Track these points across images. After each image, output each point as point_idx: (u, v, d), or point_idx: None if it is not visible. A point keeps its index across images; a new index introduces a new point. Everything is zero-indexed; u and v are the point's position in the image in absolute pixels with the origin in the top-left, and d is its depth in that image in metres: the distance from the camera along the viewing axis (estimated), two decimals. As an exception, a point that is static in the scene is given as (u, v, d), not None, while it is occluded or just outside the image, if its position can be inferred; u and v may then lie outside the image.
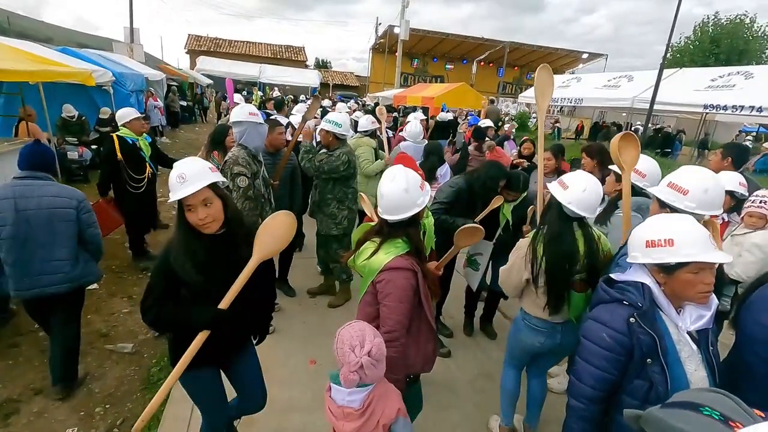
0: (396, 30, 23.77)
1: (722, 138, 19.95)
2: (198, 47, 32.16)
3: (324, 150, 3.73)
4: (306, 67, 33.39)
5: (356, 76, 38.29)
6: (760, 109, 9.84)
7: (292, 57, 34.96)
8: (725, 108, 10.77)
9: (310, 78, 24.20)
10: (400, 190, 1.76)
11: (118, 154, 4.08)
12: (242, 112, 3.10)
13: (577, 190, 1.96)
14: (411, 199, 1.78)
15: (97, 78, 7.17)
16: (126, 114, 4.28)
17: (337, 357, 1.48)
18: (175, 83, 16.26)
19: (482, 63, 29.98)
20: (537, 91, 2.75)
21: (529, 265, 2.07)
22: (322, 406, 1.60)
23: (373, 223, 2.02)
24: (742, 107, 10.27)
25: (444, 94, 13.25)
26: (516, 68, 35.00)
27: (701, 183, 1.89)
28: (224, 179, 1.76)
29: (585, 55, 31.52)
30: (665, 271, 1.42)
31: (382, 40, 30.16)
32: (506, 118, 13.28)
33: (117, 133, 4.19)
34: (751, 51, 25.66)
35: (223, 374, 2.01)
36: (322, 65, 44.34)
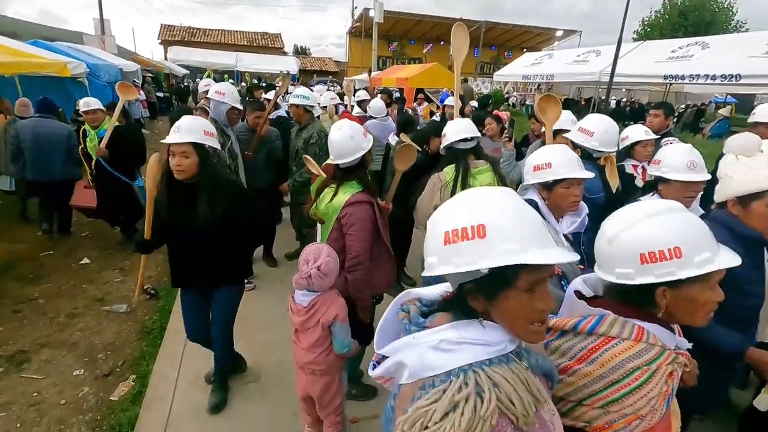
0: (371, 13, 23.77)
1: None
2: (171, 37, 31.56)
3: (297, 127, 4.04)
4: (284, 54, 33.12)
5: (335, 61, 38.07)
6: (713, 77, 10.40)
7: (268, 44, 34.55)
8: (683, 77, 11.31)
9: (288, 65, 24.09)
10: (347, 137, 2.15)
11: (81, 144, 4.42)
12: (211, 91, 3.56)
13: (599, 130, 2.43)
14: (356, 144, 2.17)
15: (72, 69, 7.28)
16: (83, 104, 4.43)
17: (299, 266, 1.89)
18: (150, 74, 16.19)
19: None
20: (453, 50, 3.15)
21: (438, 192, 2.49)
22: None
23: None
24: (698, 76, 10.82)
25: (417, 75, 13.53)
26: (493, 48, 35.23)
27: (602, 126, 2.43)
28: (214, 145, 2.15)
29: (559, 33, 31.85)
30: (547, 188, 1.84)
31: (358, 24, 30.01)
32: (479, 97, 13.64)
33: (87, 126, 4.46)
34: (717, 22, 26.38)
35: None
36: (300, 52, 43.90)
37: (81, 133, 4.43)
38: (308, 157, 2.74)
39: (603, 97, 19.43)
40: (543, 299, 0.78)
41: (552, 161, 1.80)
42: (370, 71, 21.12)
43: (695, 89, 18.37)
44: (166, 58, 24.12)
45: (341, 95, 7.73)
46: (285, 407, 2.50)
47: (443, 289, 0.92)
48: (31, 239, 4.82)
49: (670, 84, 14.39)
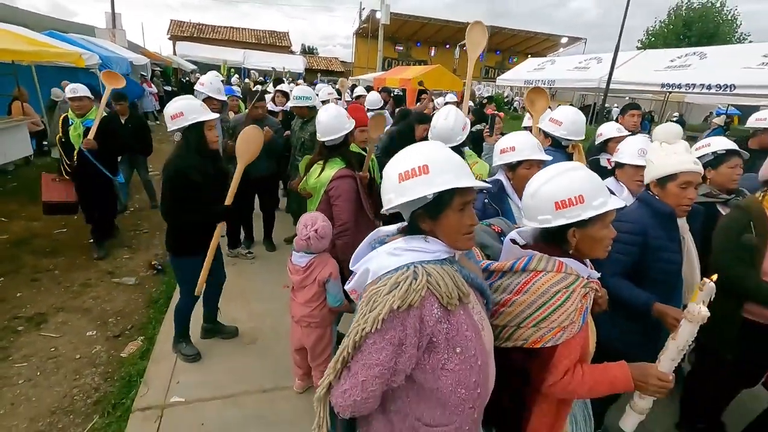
0: (378, 15, 24.11)
1: (695, 119, 21.00)
2: (181, 33, 31.99)
3: (300, 120, 4.29)
4: (291, 52, 33.51)
5: (341, 61, 38.45)
6: (709, 87, 10.64)
7: (276, 42, 34.94)
8: (680, 86, 11.55)
9: (295, 63, 24.48)
10: (332, 117, 2.48)
11: (59, 133, 3.99)
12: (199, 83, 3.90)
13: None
14: (340, 124, 2.49)
15: (86, 60, 7.58)
16: (70, 90, 4.02)
17: (297, 231, 2.18)
18: (159, 68, 16.55)
19: (465, 48, 30.55)
20: (469, 44, 3.43)
21: None
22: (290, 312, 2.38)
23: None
24: (695, 85, 11.06)
25: (420, 76, 13.80)
26: (498, 53, 35.52)
27: (570, 117, 2.72)
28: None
29: (564, 40, 32.17)
30: (511, 169, 2.11)
31: (365, 25, 30.39)
32: (483, 100, 13.92)
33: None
34: (720, 34, 26.58)
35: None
36: (308, 51, 44.33)
37: (62, 120, 4.00)
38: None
39: (606, 104, 19.73)
40: (470, 216, 1.07)
41: (515, 145, 2.08)
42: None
43: (698, 99, 18.59)
44: (174, 53, 24.52)
45: (339, 91, 8.12)
46: (279, 363, 2.77)
47: (400, 225, 1.19)
48: (46, 218, 5.10)
49: (669, 92, 14.66)
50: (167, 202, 2.39)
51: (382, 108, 6.27)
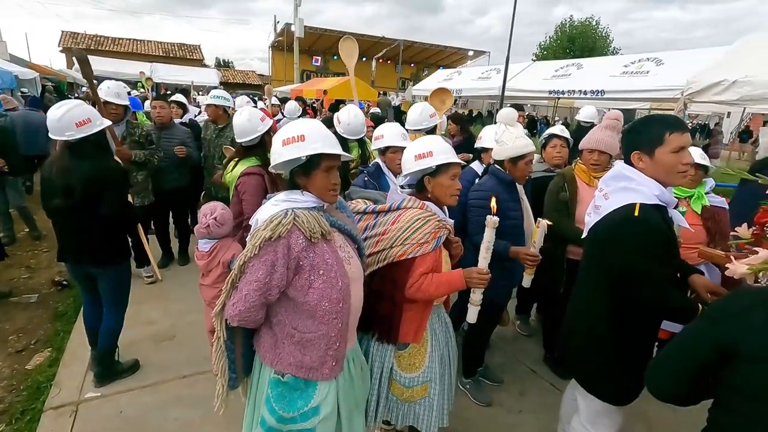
0: (293, 28, 24.29)
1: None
2: (75, 45, 29.29)
3: (215, 127, 4.15)
4: (203, 66, 32.25)
5: (258, 75, 37.84)
6: (585, 92, 12.39)
7: (186, 56, 33.44)
8: (563, 93, 13.28)
9: (208, 77, 23.60)
10: (245, 120, 2.72)
11: None
12: None
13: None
14: (253, 126, 2.74)
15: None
16: None
17: (199, 220, 2.38)
18: (51, 83, 15.15)
19: (381, 60, 31.80)
20: (345, 57, 3.92)
21: None
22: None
23: None
24: (574, 91, 12.81)
25: (336, 87, 14.31)
26: (413, 65, 37.41)
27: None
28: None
29: (471, 53, 34.85)
30: (382, 153, 2.57)
31: (280, 38, 30.36)
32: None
33: None
34: (597, 48, 30.68)
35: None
36: (223, 65, 42.96)
37: None
38: (228, 146, 3.25)
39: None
40: (335, 177, 1.43)
41: (384, 134, 2.63)
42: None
43: (585, 104, 21.32)
44: (69, 66, 22.46)
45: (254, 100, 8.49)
46: (198, 353, 2.91)
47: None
48: None
49: (557, 98, 16.75)
50: (118, 206, 2.48)
51: (301, 116, 6.62)
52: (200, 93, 13.26)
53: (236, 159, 2.78)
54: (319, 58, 34.87)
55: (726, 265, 1.59)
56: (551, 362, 3.06)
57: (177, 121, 4.90)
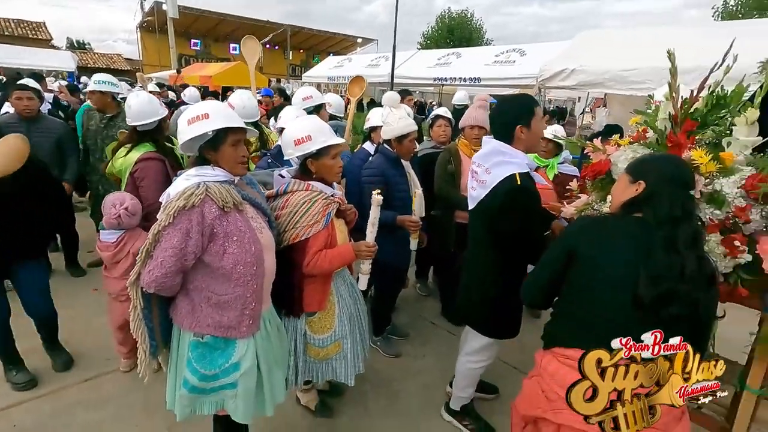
0: (164, 7, 21.93)
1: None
2: None
3: (101, 117, 3.65)
4: (52, 47, 27.41)
5: (126, 59, 33.47)
6: (464, 80, 13.61)
7: (29, 35, 28.04)
8: (446, 80, 14.41)
9: (62, 60, 20.21)
10: (144, 103, 2.60)
11: None
12: None
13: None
14: (153, 109, 2.64)
15: None
16: None
17: (104, 211, 2.27)
18: None
19: (268, 46, 30.53)
20: (247, 56, 3.88)
21: None
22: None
23: None
24: (455, 79, 13.99)
25: (221, 73, 13.52)
26: (302, 51, 36.62)
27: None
28: None
29: (359, 40, 35.34)
30: (281, 133, 2.69)
31: (150, 18, 27.20)
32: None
33: None
34: (473, 39, 33.51)
35: None
36: (78, 46, 36.96)
37: None
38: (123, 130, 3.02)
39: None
40: (241, 150, 1.56)
41: (282, 116, 2.73)
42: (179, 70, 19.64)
43: (470, 91, 23.30)
44: None
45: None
46: (99, 353, 2.75)
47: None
48: None
49: (442, 85, 18.08)
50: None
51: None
52: (56, 77, 11.43)
53: (129, 145, 2.64)
54: (198, 41, 32.12)
55: (561, 209, 2.12)
56: (448, 314, 3.54)
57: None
